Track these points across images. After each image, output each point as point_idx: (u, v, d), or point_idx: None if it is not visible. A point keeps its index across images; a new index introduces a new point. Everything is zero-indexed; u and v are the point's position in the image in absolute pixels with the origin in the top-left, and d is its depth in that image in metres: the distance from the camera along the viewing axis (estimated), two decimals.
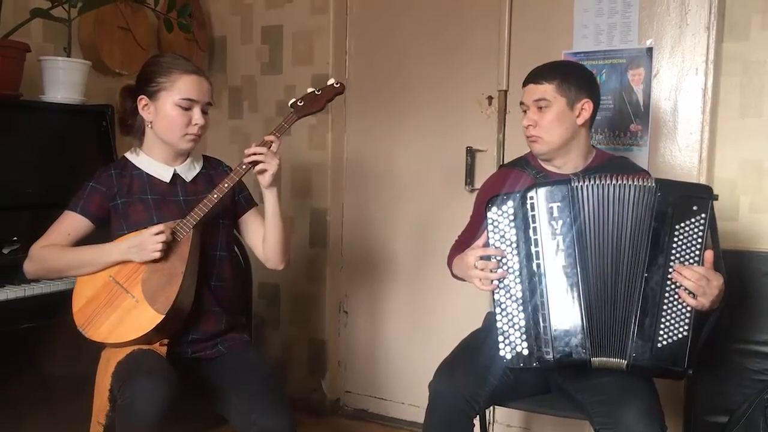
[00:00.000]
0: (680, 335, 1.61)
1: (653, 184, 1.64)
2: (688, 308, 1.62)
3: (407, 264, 2.96)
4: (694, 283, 1.60)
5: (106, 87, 2.72)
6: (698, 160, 2.38)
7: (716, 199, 1.65)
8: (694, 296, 1.61)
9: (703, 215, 1.62)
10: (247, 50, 3.19)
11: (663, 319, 1.62)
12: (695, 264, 1.62)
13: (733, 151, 2.35)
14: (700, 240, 1.62)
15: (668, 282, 1.62)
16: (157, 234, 1.72)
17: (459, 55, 2.79)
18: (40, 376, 2.17)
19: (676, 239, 1.63)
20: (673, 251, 1.63)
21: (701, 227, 1.62)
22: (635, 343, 1.63)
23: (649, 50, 2.43)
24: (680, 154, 2.42)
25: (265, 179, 1.84)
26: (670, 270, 1.62)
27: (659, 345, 1.62)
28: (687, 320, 1.62)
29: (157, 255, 1.72)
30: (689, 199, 1.63)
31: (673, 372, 1.64)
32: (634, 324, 1.63)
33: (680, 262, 1.62)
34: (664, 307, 1.62)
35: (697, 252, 1.62)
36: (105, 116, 2.42)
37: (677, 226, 1.63)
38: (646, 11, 2.44)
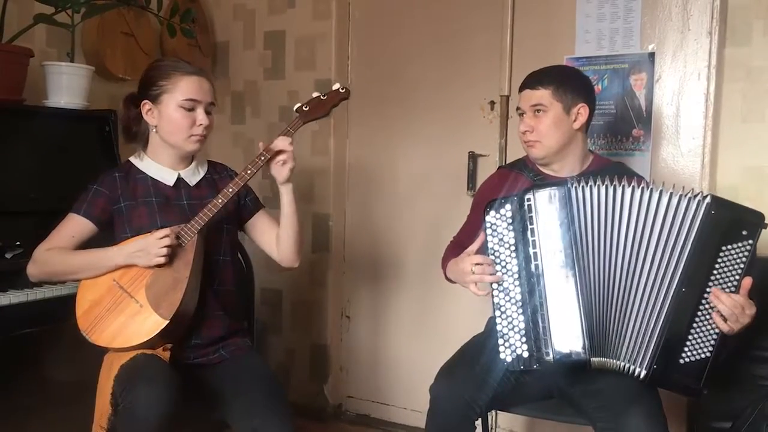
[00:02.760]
0: (703, 355, 1.61)
1: (709, 200, 1.60)
2: (716, 330, 1.61)
3: (409, 269, 2.96)
4: (729, 309, 1.58)
5: (109, 92, 2.72)
6: (701, 165, 2.38)
7: (766, 228, 1.61)
8: (725, 320, 1.59)
9: (750, 241, 1.59)
10: (250, 55, 3.19)
11: (690, 337, 1.61)
12: (732, 289, 1.60)
13: (735, 156, 2.35)
14: (742, 266, 1.60)
15: (703, 302, 1.61)
16: (162, 238, 1.72)
17: (461, 60, 2.80)
18: (42, 380, 2.17)
19: (719, 261, 1.60)
20: (715, 272, 1.60)
21: (746, 253, 1.59)
22: (659, 356, 1.61)
23: (651, 55, 2.43)
24: (683, 159, 2.42)
25: (284, 173, 1.85)
26: (708, 291, 1.60)
27: (681, 361, 1.61)
28: (713, 341, 1.61)
29: (162, 260, 1.72)
30: (739, 223, 1.60)
31: (690, 390, 1.63)
32: (660, 336, 1.61)
33: (719, 285, 1.60)
34: (694, 325, 1.61)
35: (737, 277, 1.60)
36: (108, 121, 2.42)
37: (723, 248, 1.60)
38: (648, 16, 2.44)
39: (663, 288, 1.63)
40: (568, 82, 1.90)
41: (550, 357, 1.65)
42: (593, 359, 1.66)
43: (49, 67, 2.37)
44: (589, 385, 1.75)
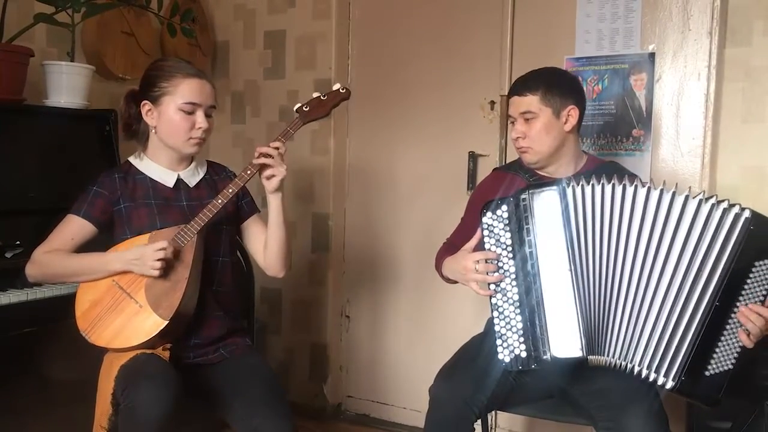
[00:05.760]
0: (726, 367, 1.61)
1: (748, 215, 1.59)
2: (740, 342, 1.61)
3: (409, 269, 2.96)
4: (758, 328, 1.58)
5: (109, 92, 2.72)
6: (701, 165, 2.38)
7: None
8: (748, 335, 1.60)
9: None
10: (250, 55, 3.19)
11: (718, 349, 1.61)
12: (759, 303, 1.60)
13: (735, 156, 2.35)
14: None
15: (732, 316, 1.61)
16: (158, 251, 1.71)
17: (461, 59, 2.80)
18: (42, 379, 2.17)
19: (751, 276, 1.60)
20: (746, 287, 1.60)
21: None
22: (688, 368, 1.61)
23: (652, 55, 2.43)
24: (682, 159, 2.42)
25: (272, 184, 1.84)
26: (737, 305, 1.60)
27: (706, 374, 1.61)
28: (737, 353, 1.61)
29: (156, 273, 1.71)
30: None
31: (710, 400, 1.63)
32: (690, 348, 1.61)
33: (748, 299, 1.60)
34: (722, 338, 1.61)
35: (765, 292, 1.61)
36: (108, 121, 2.42)
37: (756, 263, 1.60)
38: (648, 17, 2.44)
39: (692, 299, 1.61)
40: (556, 85, 1.88)
41: (548, 356, 1.65)
42: (590, 357, 1.65)
43: (49, 67, 2.36)
44: (590, 385, 1.75)
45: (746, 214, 1.59)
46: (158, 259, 1.70)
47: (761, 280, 1.60)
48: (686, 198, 1.62)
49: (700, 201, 1.61)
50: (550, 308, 1.65)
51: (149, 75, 1.88)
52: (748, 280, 1.60)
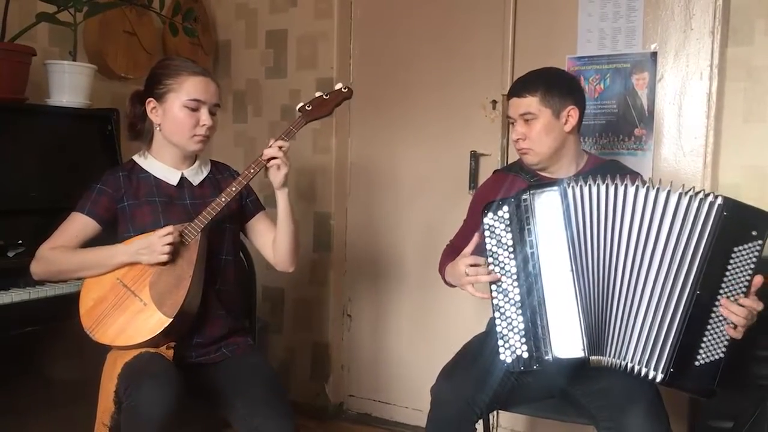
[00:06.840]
0: (717, 356, 1.61)
1: (721, 202, 1.60)
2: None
3: (411, 268, 2.96)
4: (742, 318, 1.59)
5: (111, 91, 2.73)
6: (702, 164, 2.38)
7: None
8: (735, 328, 1.60)
9: (760, 242, 1.59)
10: (252, 54, 3.20)
11: (705, 339, 1.61)
12: (743, 289, 1.60)
13: (737, 156, 2.35)
14: (752, 266, 1.60)
15: (717, 304, 1.61)
16: (165, 236, 1.72)
17: (463, 59, 2.80)
18: (44, 379, 2.17)
19: (731, 262, 1.60)
20: (727, 273, 1.61)
21: (756, 253, 1.59)
22: (675, 359, 1.61)
23: (654, 55, 2.43)
24: (684, 159, 2.42)
25: (278, 178, 1.85)
26: (720, 293, 1.61)
27: (696, 364, 1.61)
28: (726, 342, 1.61)
29: (165, 258, 1.72)
30: (750, 224, 1.60)
31: (704, 391, 1.63)
32: (676, 339, 1.61)
33: (731, 285, 1.61)
34: (708, 327, 1.61)
35: (748, 277, 1.61)
36: (110, 120, 2.42)
37: (735, 249, 1.60)
38: (650, 16, 2.44)
39: (675, 290, 1.62)
40: (555, 86, 1.88)
41: (549, 357, 1.65)
42: (592, 357, 1.66)
43: (51, 66, 2.37)
44: (591, 385, 1.75)
45: (719, 201, 1.60)
46: (166, 244, 1.71)
47: (742, 266, 1.61)
48: (668, 193, 1.63)
49: (680, 194, 1.62)
50: (551, 308, 1.66)
51: (155, 73, 1.89)
52: (729, 267, 1.61)
